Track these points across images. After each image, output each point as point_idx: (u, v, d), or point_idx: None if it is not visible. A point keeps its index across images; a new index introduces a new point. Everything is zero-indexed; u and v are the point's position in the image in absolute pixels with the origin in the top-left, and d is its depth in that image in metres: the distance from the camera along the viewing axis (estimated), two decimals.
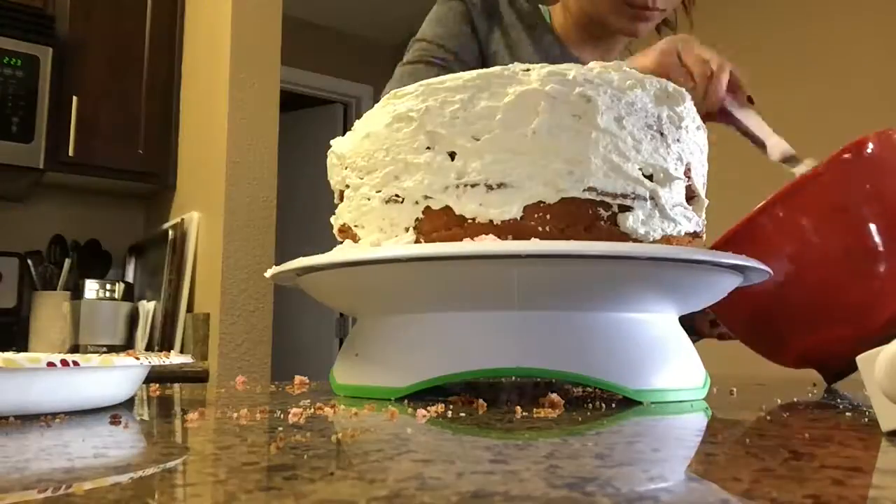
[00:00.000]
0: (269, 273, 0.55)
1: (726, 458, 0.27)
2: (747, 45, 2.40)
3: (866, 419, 0.38)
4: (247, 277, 1.94)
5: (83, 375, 0.39)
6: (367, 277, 0.48)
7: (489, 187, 0.47)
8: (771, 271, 0.53)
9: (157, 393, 0.54)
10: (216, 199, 1.97)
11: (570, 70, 0.47)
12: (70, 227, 2.39)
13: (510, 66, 0.48)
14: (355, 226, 0.54)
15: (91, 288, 2.10)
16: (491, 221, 0.47)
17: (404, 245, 0.49)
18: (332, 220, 0.59)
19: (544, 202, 0.46)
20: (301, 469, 0.23)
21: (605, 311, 0.48)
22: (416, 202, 0.49)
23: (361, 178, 0.53)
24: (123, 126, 2.18)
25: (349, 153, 0.54)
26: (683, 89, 0.51)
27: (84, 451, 0.27)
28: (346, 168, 0.55)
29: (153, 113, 2.24)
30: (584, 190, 0.46)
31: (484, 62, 0.97)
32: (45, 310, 2.18)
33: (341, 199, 0.57)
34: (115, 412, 0.39)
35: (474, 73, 0.48)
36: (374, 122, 0.52)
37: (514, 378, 0.75)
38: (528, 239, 0.46)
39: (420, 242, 0.49)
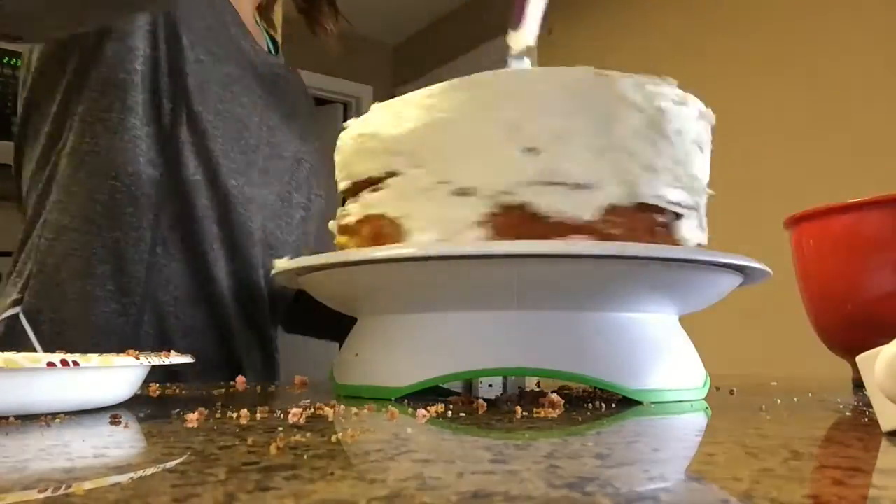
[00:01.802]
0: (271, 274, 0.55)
1: (726, 458, 0.27)
2: (742, 34, 2.40)
3: (866, 419, 0.38)
4: None
5: (83, 375, 0.39)
6: (367, 277, 0.48)
7: (571, 186, 0.46)
8: (771, 272, 0.53)
9: (157, 393, 0.54)
10: None
11: (647, 81, 0.48)
12: None
13: (590, 68, 0.48)
14: (399, 217, 0.49)
15: None
16: (567, 221, 0.46)
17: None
18: (342, 213, 0.55)
19: (618, 205, 0.47)
20: (301, 469, 0.23)
21: (605, 311, 0.48)
22: (490, 196, 0.46)
23: (418, 167, 0.49)
24: None
25: (400, 137, 0.50)
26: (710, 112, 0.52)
27: (84, 451, 0.27)
28: (391, 154, 0.50)
29: None
30: (654, 196, 0.47)
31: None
32: None
33: (353, 191, 0.54)
34: (115, 412, 0.39)
35: (559, 70, 0.47)
36: (437, 106, 0.48)
37: (514, 378, 0.75)
38: (599, 240, 0.46)
39: (491, 239, 0.46)
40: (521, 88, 0.47)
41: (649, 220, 0.48)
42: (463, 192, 0.47)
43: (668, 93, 0.49)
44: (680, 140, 0.49)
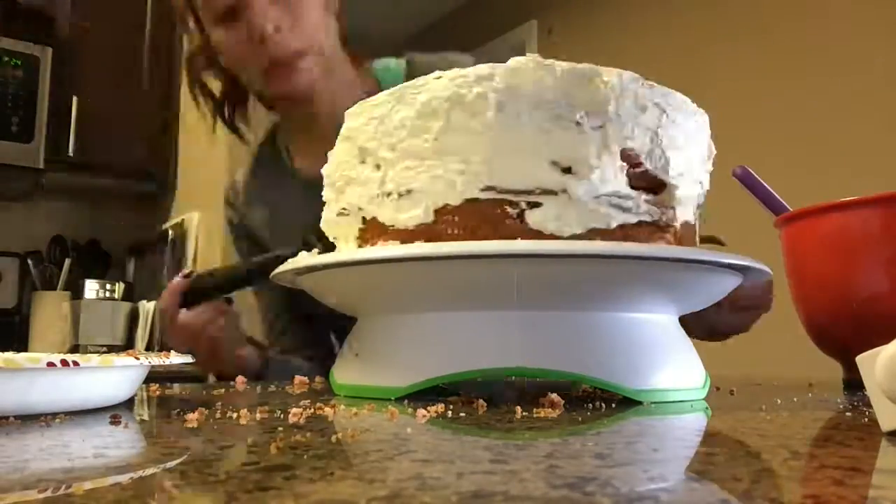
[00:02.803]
0: (272, 273, 0.55)
1: (726, 458, 0.27)
2: (754, 31, 2.40)
3: (866, 419, 0.38)
4: None
5: (83, 375, 0.39)
6: (367, 277, 0.48)
7: (400, 194, 0.48)
8: (771, 272, 0.53)
9: (157, 393, 0.54)
10: (216, 199, 1.97)
11: (472, 70, 0.47)
12: (70, 227, 2.39)
13: (427, 76, 0.48)
14: (334, 238, 0.56)
15: (91, 288, 2.10)
16: (406, 228, 0.48)
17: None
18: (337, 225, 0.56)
19: (450, 205, 0.46)
20: (301, 469, 0.23)
21: (605, 311, 0.48)
22: (356, 214, 0.51)
23: (332, 196, 0.55)
24: (123, 126, 2.18)
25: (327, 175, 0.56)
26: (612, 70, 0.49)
27: (84, 451, 0.27)
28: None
29: (153, 113, 2.24)
30: (482, 190, 0.46)
31: None
32: (45, 310, 2.18)
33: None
34: (115, 412, 0.39)
35: (396, 87, 0.49)
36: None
37: (513, 378, 0.75)
38: (441, 242, 0.46)
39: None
40: (365, 113, 0.51)
41: (492, 213, 0.47)
42: (342, 213, 0.52)
43: (510, 71, 0.49)
44: (522, 123, 0.49)
